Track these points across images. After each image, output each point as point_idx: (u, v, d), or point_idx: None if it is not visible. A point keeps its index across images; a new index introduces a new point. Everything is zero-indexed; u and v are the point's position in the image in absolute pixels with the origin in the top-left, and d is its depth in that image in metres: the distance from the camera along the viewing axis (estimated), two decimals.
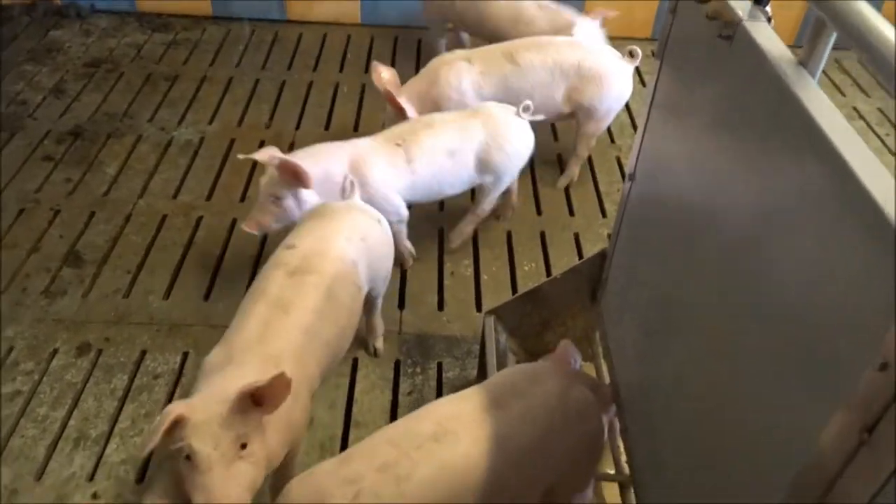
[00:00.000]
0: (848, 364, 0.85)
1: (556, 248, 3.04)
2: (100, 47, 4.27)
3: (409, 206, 2.70)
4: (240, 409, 1.49)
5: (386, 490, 1.43)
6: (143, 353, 2.52)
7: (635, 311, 1.81)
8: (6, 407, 2.30)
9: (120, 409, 2.33)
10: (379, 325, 2.53)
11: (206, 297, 2.73)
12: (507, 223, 3.16)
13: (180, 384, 2.41)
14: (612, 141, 3.71)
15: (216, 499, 1.43)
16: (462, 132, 2.66)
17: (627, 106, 3.92)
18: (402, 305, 2.76)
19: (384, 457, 1.49)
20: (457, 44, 3.89)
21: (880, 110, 4.03)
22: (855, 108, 4.03)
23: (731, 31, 1.26)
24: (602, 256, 2.11)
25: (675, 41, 1.61)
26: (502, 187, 2.87)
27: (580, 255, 2.99)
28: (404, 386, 2.46)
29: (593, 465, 1.83)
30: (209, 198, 3.22)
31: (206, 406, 1.50)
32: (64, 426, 2.27)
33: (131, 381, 2.42)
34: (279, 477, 1.97)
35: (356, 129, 3.67)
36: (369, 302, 2.36)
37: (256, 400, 1.52)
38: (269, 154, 2.39)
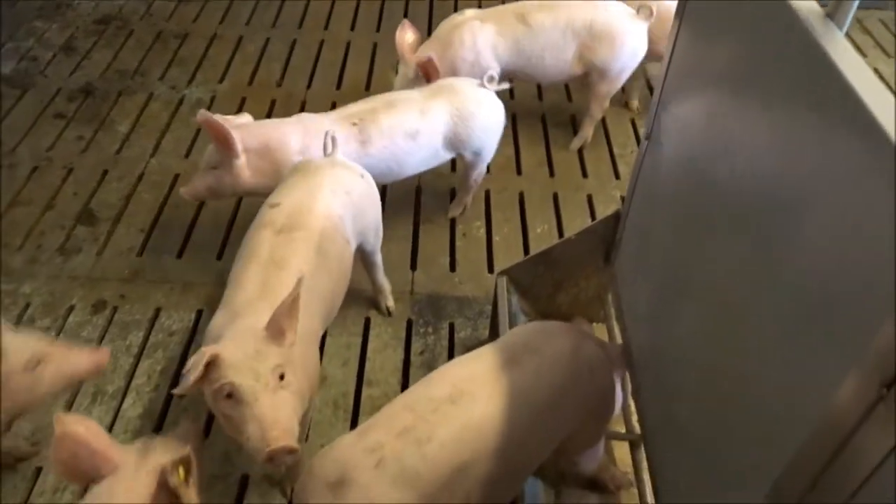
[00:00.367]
0: (867, 320, 0.85)
1: (568, 210, 3.03)
2: (109, 4, 4.23)
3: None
4: (271, 341, 1.54)
5: (408, 454, 1.45)
6: (158, 310, 2.54)
7: (649, 273, 1.81)
8: None
9: (136, 366, 2.37)
10: (385, 283, 2.53)
11: (219, 256, 2.75)
12: (520, 184, 3.14)
13: (195, 341, 2.44)
14: (627, 103, 3.66)
15: (269, 425, 1.45)
16: (424, 113, 2.52)
17: (643, 66, 3.87)
18: (414, 266, 2.76)
19: (402, 423, 1.50)
20: None
21: None
22: (876, 70, 3.95)
23: None
24: (616, 218, 2.10)
25: None
26: (487, 159, 2.78)
27: (593, 217, 2.98)
28: (416, 346, 2.48)
29: (604, 423, 1.84)
30: None
31: (237, 345, 1.53)
32: (81, 382, 2.31)
33: (146, 338, 2.45)
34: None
35: (367, 89, 3.63)
36: (367, 259, 2.37)
37: (281, 332, 1.56)
38: (201, 112, 2.20)
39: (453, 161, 3.25)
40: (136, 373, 2.34)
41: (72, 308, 2.53)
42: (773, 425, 1.10)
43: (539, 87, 3.71)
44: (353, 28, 4.13)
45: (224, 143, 2.25)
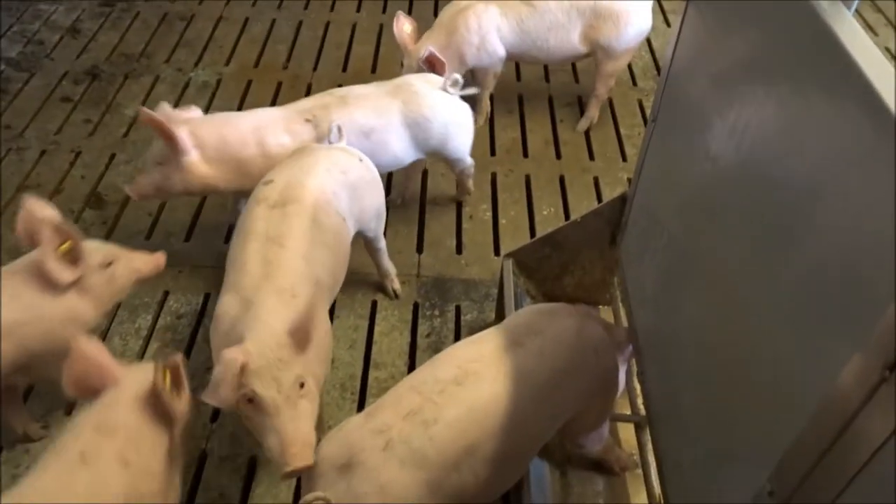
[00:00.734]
0: (871, 303, 0.85)
1: (575, 192, 3.02)
2: None
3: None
4: (292, 348, 1.55)
5: (415, 435, 1.46)
6: (166, 293, 2.56)
7: (655, 255, 1.81)
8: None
9: (145, 348, 2.39)
10: (390, 267, 2.54)
11: (227, 239, 2.76)
12: (527, 167, 3.13)
13: (203, 324, 2.46)
14: (634, 84, 3.64)
15: (289, 442, 1.48)
16: (378, 111, 2.42)
17: (651, 47, 3.84)
18: (420, 249, 2.77)
19: (409, 405, 1.51)
20: None
21: None
22: (888, 49, 3.90)
23: None
24: (623, 200, 2.09)
25: None
26: (461, 158, 2.67)
27: (599, 199, 2.97)
28: (423, 328, 2.49)
29: (609, 403, 1.85)
30: None
31: (261, 351, 1.54)
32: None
33: (155, 320, 2.47)
34: None
35: (374, 71, 3.62)
36: (370, 245, 2.37)
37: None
38: (143, 111, 2.16)
39: None
40: (146, 355, 2.36)
41: None
42: (777, 407, 1.10)
43: (546, 68, 3.68)
44: (358, 10, 4.11)
45: (170, 141, 2.18)
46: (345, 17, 4.03)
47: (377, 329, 2.47)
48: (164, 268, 2.03)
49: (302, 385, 1.55)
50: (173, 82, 3.52)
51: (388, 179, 2.95)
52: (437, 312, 2.54)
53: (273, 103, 3.30)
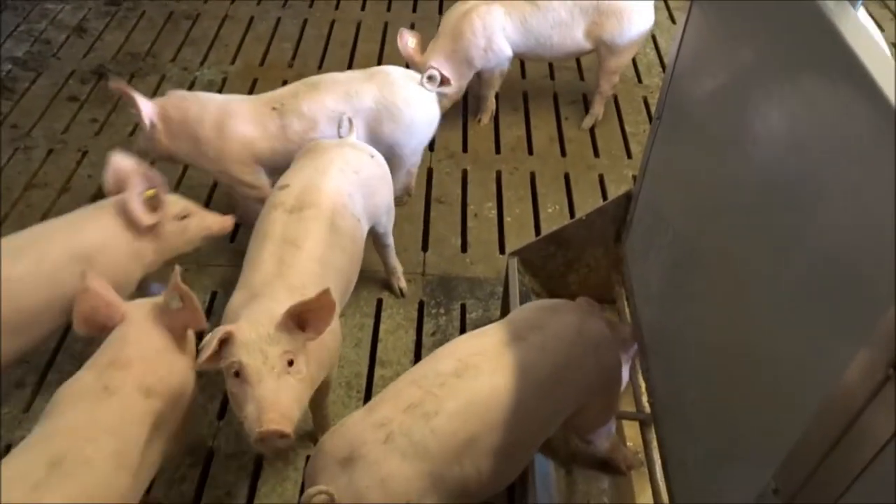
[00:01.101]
0: (876, 300, 0.85)
1: (580, 190, 3.02)
2: None
3: None
4: (286, 328, 1.54)
5: (416, 428, 1.46)
6: None
7: (660, 252, 1.81)
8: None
9: None
10: (397, 265, 2.54)
11: (233, 238, 2.77)
12: (531, 164, 3.13)
13: (209, 322, 2.46)
14: (640, 81, 3.63)
15: (268, 407, 1.47)
16: (349, 96, 2.40)
17: (656, 44, 3.83)
18: (425, 248, 2.77)
19: (409, 398, 1.52)
20: None
21: None
22: (894, 45, 3.88)
23: None
24: (628, 198, 2.09)
25: None
26: (404, 165, 2.64)
27: (604, 197, 2.97)
28: (428, 326, 2.49)
29: (613, 399, 1.85)
30: None
31: (252, 325, 1.55)
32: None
33: None
34: (315, 415, 2.05)
35: None
36: (379, 241, 2.38)
37: (301, 324, 1.57)
38: (115, 79, 2.39)
39: (465, 141, 3.25)
40: None
41: None
42: (782, 405, 1.10)
43: (550, 65, 3.68)
44: (363, 8, 4.11)
45: (136, 111, 2.33)
46: (349, 16, 4.03)
47: (383, 327, 2.48)
48: (229, 230, 2.24)
49: (291, 363, 1.54)
50: (179, 81, 3.53)
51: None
52: (442, 311, 2.54)
53: None
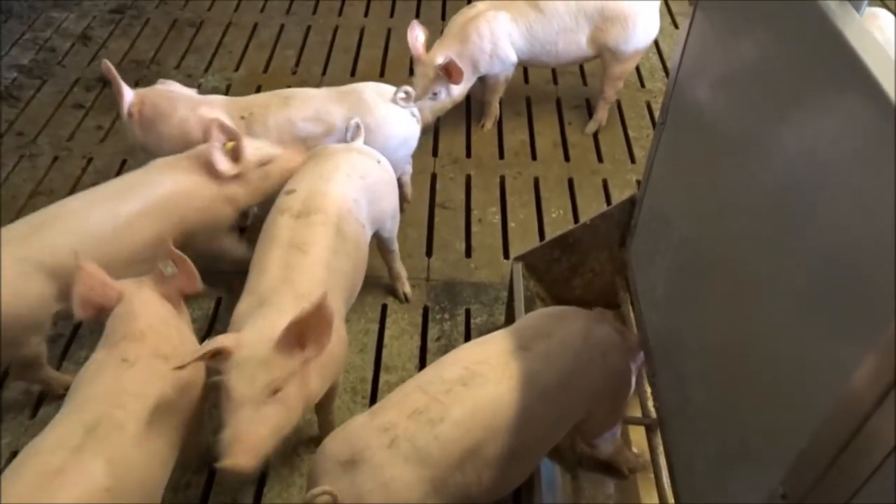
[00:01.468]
0: (883, 304, 0.85)
1: (584, 195, 3.02)
2: None
3: None
4: (284, 348, 1.53)
5: (420, 434, 1.46)
6: None
7: (665, 257, 1.81)
8: (49, 350, 2.38)
9: None
10: (401, 270, 2.55)
11: None
12: (535, 169, 3.14)
13: (214, 329, 2.47)
14: (643, 86, 3.63)
15: (237, 438, 1.47)
16: (317, 116, 2.41)
17: (658, 49, 3.84)
18: (429, 253, 2.77)
19: (415, 404, 1.51)
20: None
21: None
22: None
23: None
24: (632, 202, 2.10)
25: None
26: (402, 172, 2.63)
27: (608, 202, 2.97)
28: (433, 332, 2.49)
29: (620, 405, 1.85)
30: None
31: (252, 344, 1.54)
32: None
33: None
34: (321, 421, 2.05)
35: (382, 75, 3.63)
36: (384, 246, 2.38)
37: (301, 341, 1.55)
38: (105, 62, 2.44)
39: (469, 146, 3.26)
40: None
41: None
42: (789, 409, 1.10)
43: (554, 71, 3.69)
44: (366, 14, 4.13)
45: (118, 98, 2.40)
46: (353, 22, 4.04)
47: (387, 333, 2.48)
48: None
49: (276, 391, 1.52)
50: None
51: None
52: (446, 316, 2.54)
53: None
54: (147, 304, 1.73)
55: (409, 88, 2.51)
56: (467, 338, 2.47)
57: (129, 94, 2.40)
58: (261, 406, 1.50)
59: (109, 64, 2.42)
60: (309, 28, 3.99)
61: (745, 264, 1.32)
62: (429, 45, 2.94)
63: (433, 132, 3.29)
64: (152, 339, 1.66)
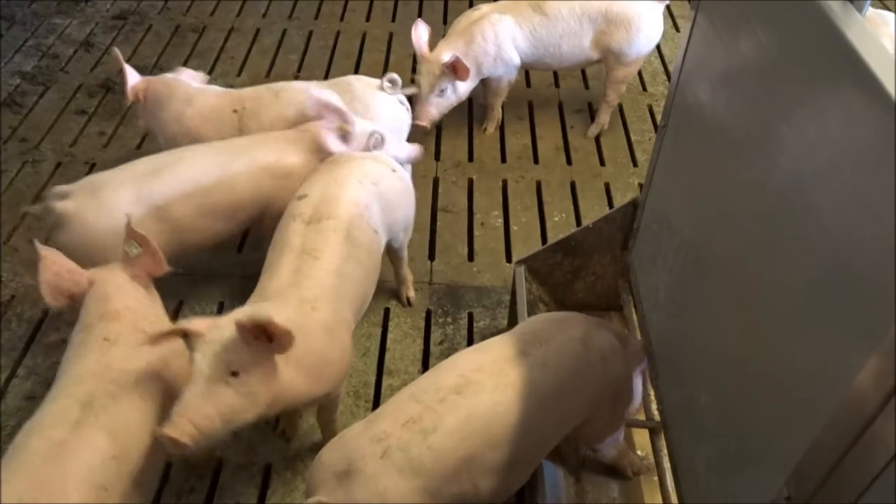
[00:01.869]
0: (886, 307, 0.85)
1: (586, 198, 3.02)
2: None
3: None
4: (244, 338, 1.50)
5: (413, 444, 1.46)
6: (181, 301, 2.57)
7: (667, 259, 1.81)
8: (52, 355, 2.39)
9: None
10: (408, 275, 2.55)
11: (240, 248, 2.78)
12: (537, 173, 3.14)
13: None
14: (644, 89, 3.63)
15: (182, 412, 1.47)
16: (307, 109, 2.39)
17: (660, 52, 3.84)
18: (432, 256, 2.77)
19: (409, 413, 1.51)
20: None
21: None
22: None
23: None
24: (634, 205, 2.10)
25: None
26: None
27: (610, 205, 2.97)
28: (435, 335, 2.49)
29: (621, 410, 1.84)
30: None
31: (222, 328, 1.54)
32: None
33: None
34: (324, 428, 2.06)
35: None
36: (394, 253, 2.38)
37: (268, 334, 1.51)
38: (114, 51, 2.58)
39: (471, 150, 3.26)
40: None
41: None
42: (793, 411, 1.10)
43: (555, 74, 3.69)
44: (368, 19, 4.14)
45: (123, 82, 2.49)
46: (355, 27, 4.05)
47: (390, 336, 2.48)
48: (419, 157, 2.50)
49: (234, 374, 1.50)
50: None
51: None
52: (449, 319, 2.54)
53: None
54: (120, 286, 1.77)
55: (394, 76, 2.61)
56: (470, 341, 2.47)
57: (133, 78, 2.50)
58: (215, 385, 1.50)
59: (118, 52, 2.53)
60: (311, 33, 4.00)
61: (747, 266, 1.31)
62: (431, 47, 2.95)
63: (435, 136, 3.30)
64: (129, 318, 1.70)
